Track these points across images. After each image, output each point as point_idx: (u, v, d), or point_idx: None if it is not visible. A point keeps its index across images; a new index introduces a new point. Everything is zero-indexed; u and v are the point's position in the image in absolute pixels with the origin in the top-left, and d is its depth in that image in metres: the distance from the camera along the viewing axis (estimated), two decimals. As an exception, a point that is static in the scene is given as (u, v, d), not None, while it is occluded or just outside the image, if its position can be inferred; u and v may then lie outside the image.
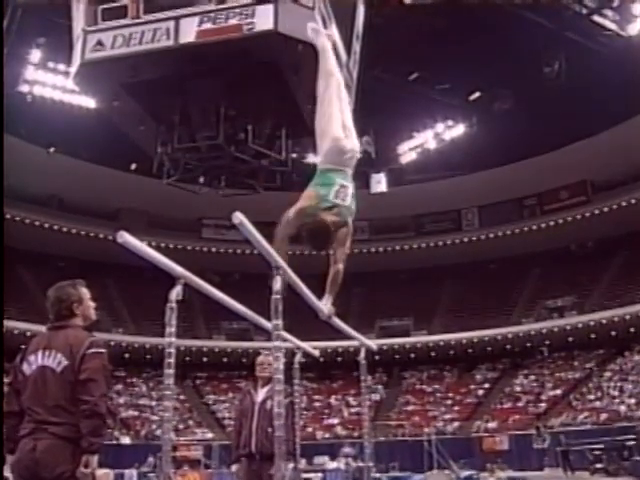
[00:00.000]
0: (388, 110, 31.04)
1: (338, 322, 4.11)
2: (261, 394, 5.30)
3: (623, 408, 28.65)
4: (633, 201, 35.63)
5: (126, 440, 29.75)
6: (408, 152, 37.24)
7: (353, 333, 4.99)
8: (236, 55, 13.45)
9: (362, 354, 5.31)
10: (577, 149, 34.55)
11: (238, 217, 2.74)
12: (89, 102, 25.49)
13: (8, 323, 25.85)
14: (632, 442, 22.80)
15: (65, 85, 26.91)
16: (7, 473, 4.78)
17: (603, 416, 28.75)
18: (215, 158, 16.52)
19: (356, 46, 17.17)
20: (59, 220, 36.69)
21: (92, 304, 3.48)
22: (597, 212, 37.20)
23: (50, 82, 27.54)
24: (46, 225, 35.76)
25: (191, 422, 33.85)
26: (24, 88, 27.07)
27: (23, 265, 32.71)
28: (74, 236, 37.29)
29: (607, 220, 36.22)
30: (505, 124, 31.03)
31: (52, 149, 32.54)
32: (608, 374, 32.53)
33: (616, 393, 30.35)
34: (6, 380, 3.30)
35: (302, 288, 3.50)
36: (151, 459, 24.93)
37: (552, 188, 38.33)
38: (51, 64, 27.13)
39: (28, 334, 23.24)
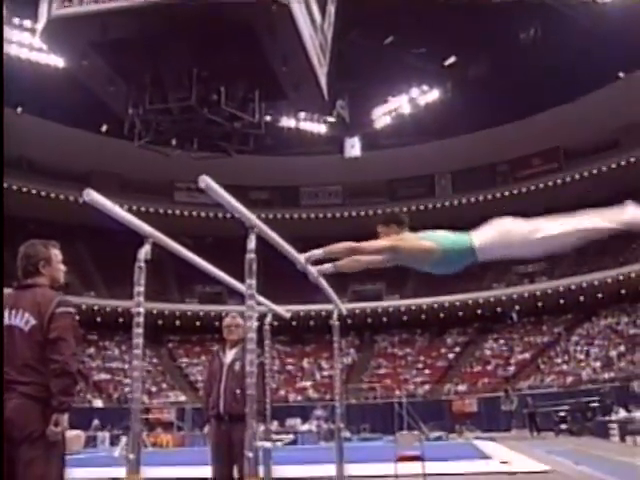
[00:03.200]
0: (363, 74, 30.86)
1: (313, 272, 4.07)
2: (229, 356, 5.33)
3: (589, 371, 29.35)
4: (604, 169, 36.02)
5: (99, 403, 29.82)
6: (382, 117, 37.15)
7: (327, 288, 4.98)
8: (208, 14, 13.22)
9: (334, 316, 5.32)
10: (550, 116, 34.71)
11: (204, 180, 2.67)
12: (58, 61, 24.93)
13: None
14: (596, 404, 23.44)
15: (32, 43, 26.28)
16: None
17: (569, 379, 29.43)
18: (187, 120, 16.38)
19: (331, 7, 16.95)
20: (28, 182, 36.07)
21: (62, 267, 3.42)
22: (569, 179, 37.56)
23: (16, 39, 26.86)
24: (15, 187, 35.09)
25: (164, 385, 33.99)
26: (-11, 46, 26.39)
27: (-8, 228, 32.21)
28: (44, 199, 36.76)
29: (578, 187, 36.58)
30: (479, 90, 31.05)
31: (20, 109, 31.85)
32: (575, 338, 33.22)
33: (582, 357, 31.05)
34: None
35: (279, 241, 3.46)
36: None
37: (524, 155, 38.55)
38: (17, 20, 26.40)
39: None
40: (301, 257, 3.97)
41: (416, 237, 4.09)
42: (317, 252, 3.98)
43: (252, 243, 2.95)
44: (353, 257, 4.16)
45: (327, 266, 4.24)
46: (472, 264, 4.22)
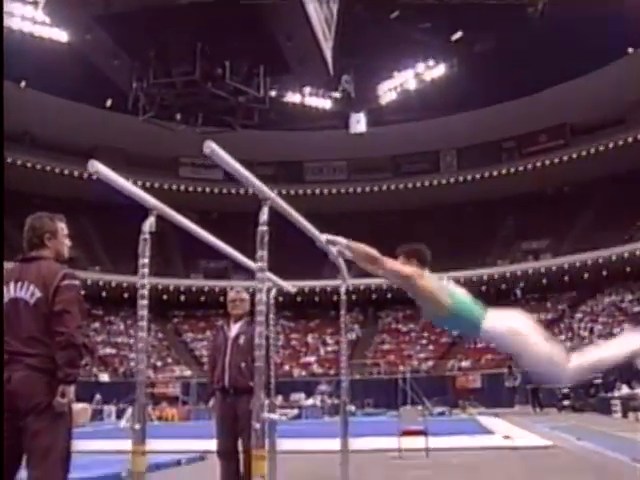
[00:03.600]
0: (369, 49, 30.58)
1: (333, 252, 4.08)
2: (234, 330, 5.36)
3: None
4: (611, 145, 35.77)
5: (105, 377, 30.10)
6: (388, 92, 36.87)
7: (344, 268, 4.96)
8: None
9: (342, 290, 5.31)
10: (557, 92, 34.41)
11: (209, 145, 2.65)
12: (61, 35, 24.75)
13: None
14: (599, 380, 23.52)
15: (35, 16, 26.06)
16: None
17: (573, 356, 29.50)
18: (192, 94, 16.29)
19: (337, -19, 16.73)
20: (32, 157, 36.06)
21: (67, 242, 3.41)
22: (575, 156, 37.34)
23: (19, 12, 26.60)
24: (19, 162, 35.07)
25: (169, 360, 34.23)
26: (-8, 19, 26.14)
27: (-4, 202, 32.23)
28: (49, 173, 36.74)
29: (585, 164, 36.39)
30: (486, 66, 30.76)
31: (23, 83, 31.68)
32: (579, 316, 33.26)
33: (586, 334, 31.10)
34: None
35: (296, 216, 3.42)
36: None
37: (531, 131, 38.30)
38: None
39: (3, 272, 23.05)
40: (322, 237, 3.97)
41: (437, 283, 3.98)
42: (342, 242, 3.97)
43: (265, 215, 2.93)
44: (371, 265, 4.11)
45: (348, 253, 4.24)
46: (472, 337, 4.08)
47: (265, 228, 2.91)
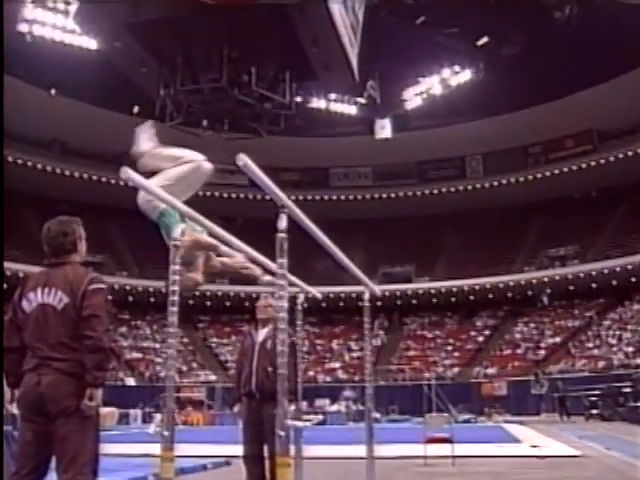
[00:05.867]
0: (394, 54, 30.54)
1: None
2: (261, 335, 5.41)
3: (621, 356, 29.00)
4: (639, 151, 35.28)
5: (131, 381, 30.35)
6: (413, 98, 36.78)
7: (351, 268, 4.96)
8: (240, -5, 13.19)
9: (366, 295, 5.32)
10: (584, 97, 34.03)
11: (242, 158, 2.69)
12: (90, 43, 25.07)
13: (13, 265, 26.02)
14: (628, 389, 23.17)
15: (65, 25, 26.44)
16: (10, 406, 4.87)
17: (601, 364, 29.12)
18: (218, 101, 16.42)
19: (362, -14, 16.76)
20: (61, 163, 36.50)
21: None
22: (602, 161, 36.89)
23: (50, 21, 27.01)
24: (48, 168, 35.59)
25: (195, 364, 34.40)
26: (23, 27, 26.51)
27: (26, 208, 32.71)
28: (77, 180, 37.16)
29: (612, 170, 35.94)
30: (512, 71, 30.55)
31: (53, 91, 32.14)
32: (607, 323, 32.82)
33: (614, 342, 30.67)
34: (5, 317, 3.31)
35: (310, 226, 3.42)
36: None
37: (558, 137, 37.95)
38: (50, 2, 26.57)
39: (32, 276, 23.33)
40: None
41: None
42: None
43: (283, 223, 2.95)
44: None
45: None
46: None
47: (284, 235, 2.94)
